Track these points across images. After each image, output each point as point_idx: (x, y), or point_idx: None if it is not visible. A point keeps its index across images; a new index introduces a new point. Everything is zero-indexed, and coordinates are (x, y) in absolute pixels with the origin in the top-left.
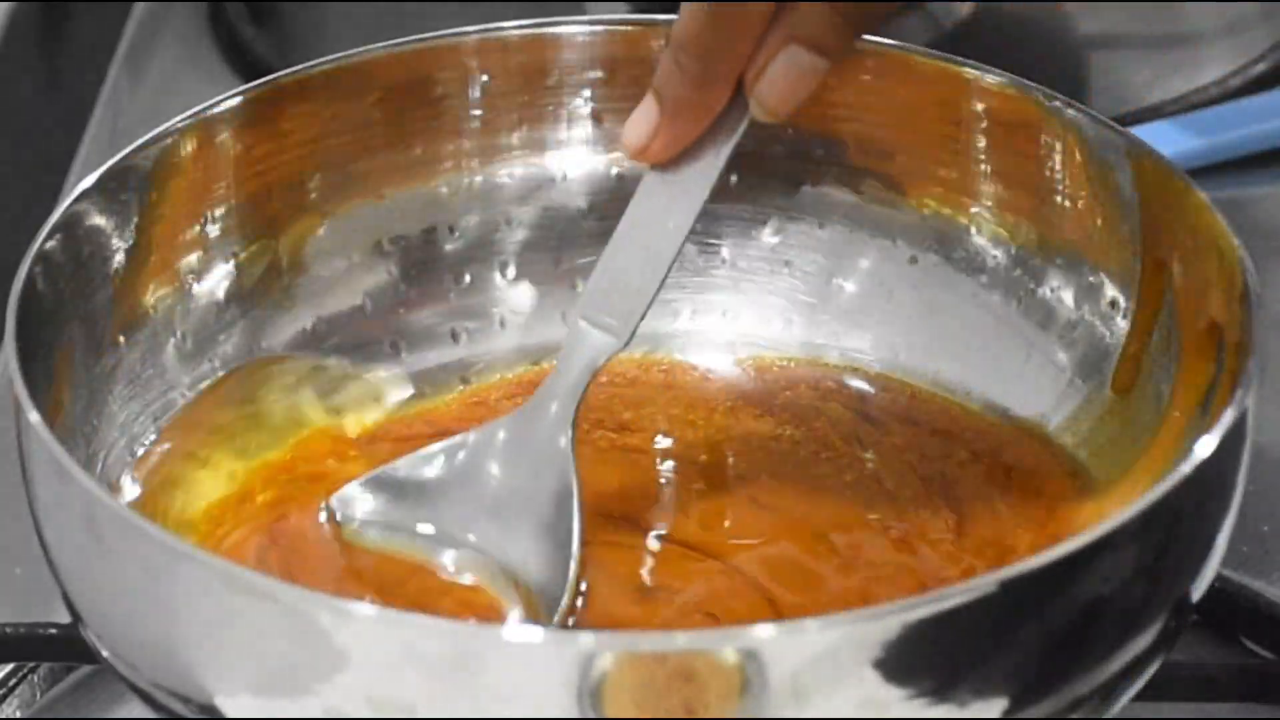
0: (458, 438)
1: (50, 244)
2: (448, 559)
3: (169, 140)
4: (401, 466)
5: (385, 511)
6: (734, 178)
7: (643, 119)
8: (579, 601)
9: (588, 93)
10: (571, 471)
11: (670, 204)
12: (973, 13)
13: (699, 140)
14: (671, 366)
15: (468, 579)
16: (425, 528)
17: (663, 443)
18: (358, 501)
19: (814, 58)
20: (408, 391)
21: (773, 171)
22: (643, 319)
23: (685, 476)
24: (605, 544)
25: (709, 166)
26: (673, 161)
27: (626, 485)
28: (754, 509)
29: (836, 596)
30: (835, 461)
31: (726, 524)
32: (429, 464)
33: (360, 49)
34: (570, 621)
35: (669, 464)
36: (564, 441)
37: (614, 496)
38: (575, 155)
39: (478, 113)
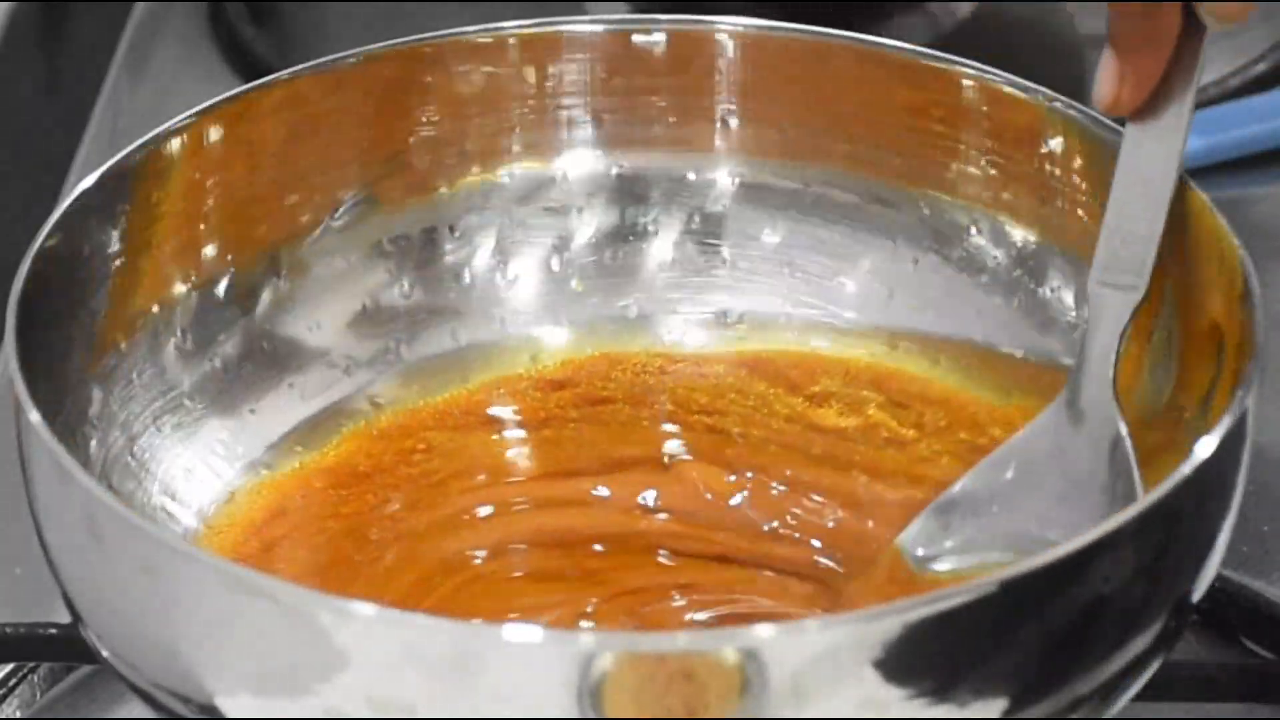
0: (1013, 440)
1: (50, 244)
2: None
3: (169, 140)
4: (961, 486)
5: (952, 537)
6: (735, 180)
7: (1107, 73)
8: None
9: (588, 93)
10: (1122, 434)
11: (1155, 147)
12: (973, 13)
13: (1164, 77)
14: (673, 364)
15: None
16: (989, 545)
17: (673, 442)
18: (926, 535)
19: None
20: (408, 392)
21: (773, 172)
22: (1152, 266)
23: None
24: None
25: (1181, 99)
26: (1146, 106)
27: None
28: (789, 500)
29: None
30: (862, 452)
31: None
32: (988, 476)
33: (360, 49)
34: None
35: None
36: (1110, 408)
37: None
38: (575, 155)
39: (478, 112)
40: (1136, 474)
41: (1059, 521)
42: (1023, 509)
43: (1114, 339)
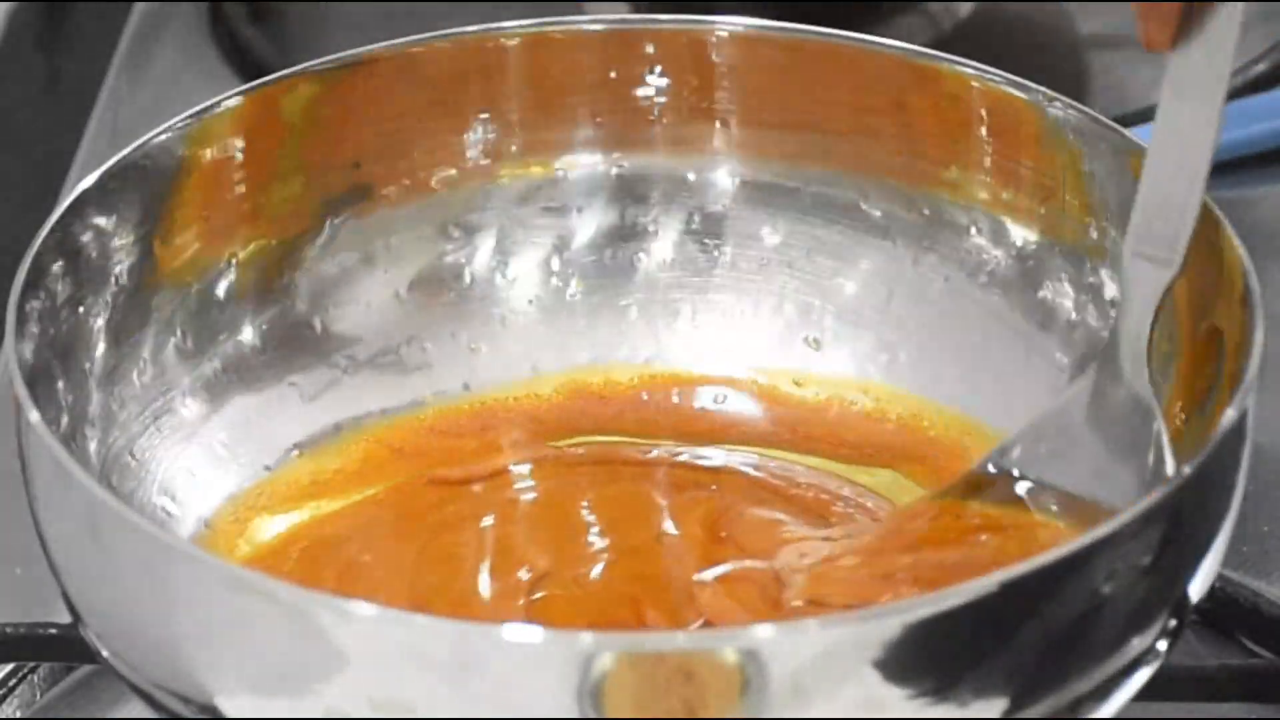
0: (1048, 411)
1: (50, 244)
2: None
3: (169, 140)
4: (1010, 442)
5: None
6: (736, 179)
7: (1137, 11)
8: None
9: (588, 93)
10: (1156, 414)
11: (1190, 115)
12: (972, 13)
13: (1196, 32)
14: (672, 367)
15: None
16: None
17: (665, 448)
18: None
19: None
20: (408, 391)
21: (773, 172)
22: (1189, 237)
23: (685, 484)
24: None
25: (1216, 62)
26: (1181, 65)
27: (629, 492)
28: (759, 523)
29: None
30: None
31: (728, 536)
32: (1027, 443)
33: (360, 49)
34: None
35: (671, 469)
36: (1144, 388)
37: (616, 502)
38: (575, 155)
39: (477, 113)
40: (1168, 451)
41: (1097, 493)
42: (1064, 476)
43: (1148, 316)
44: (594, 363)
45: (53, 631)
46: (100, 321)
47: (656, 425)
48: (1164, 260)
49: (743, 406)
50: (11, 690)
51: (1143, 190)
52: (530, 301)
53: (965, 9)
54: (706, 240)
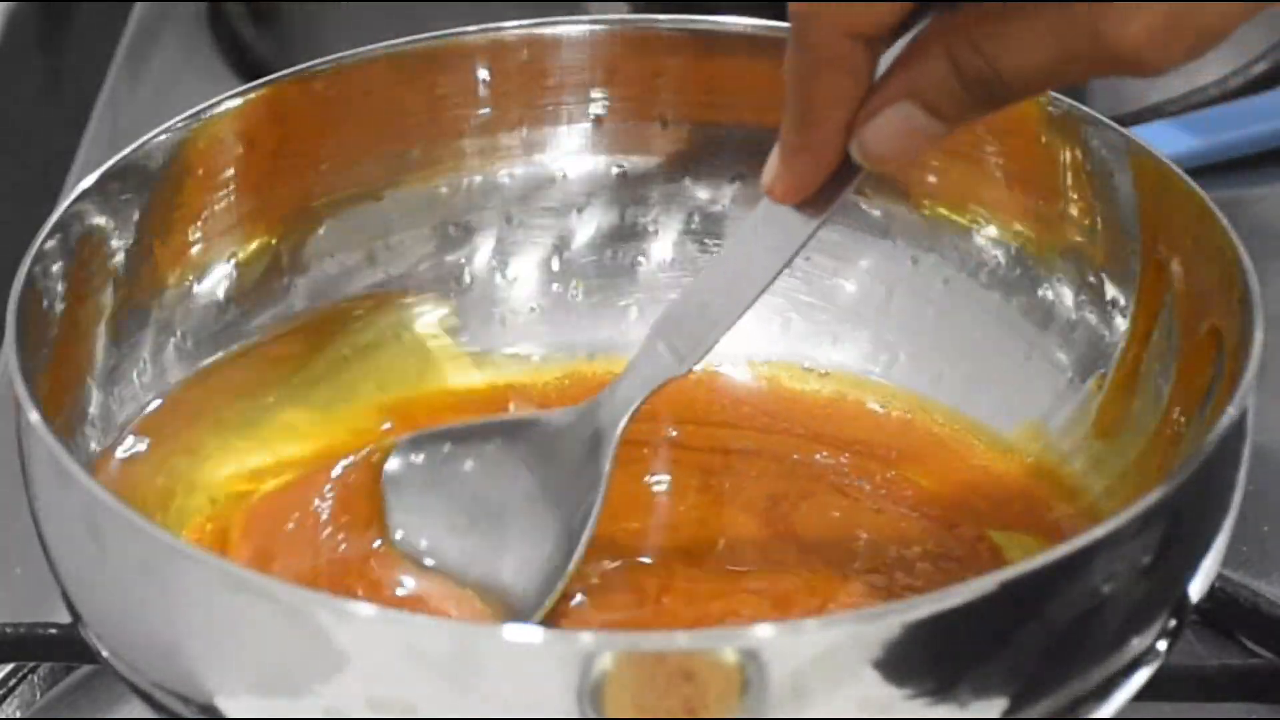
0: (502, 417)
1: (50, 244)
2: (439, 547)
3: (169, 140)
4: (441, 433)
5: (413, 481)
6: (735, 180)
7: (771, 158)
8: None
9: (588, 93)
10: (601, 488)
11: (767, 245)
12: None
13: (816, 194)
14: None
15: (446, 582)
16: (439, 503)
17: (662, 450)
18: (400, 460)
19: (928, 119)
20: (408, 392)
21: None
22: (709, 350)
23: (684, 485)
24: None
25: (810, 216)
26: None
27: (624, 490)
28: (752, 528)
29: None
30: (838, 479)
31: (722, 543)
32: (466, 440)
33: (360, 49)
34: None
35: (669, 470)
36: (605, 454)
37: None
38: (575, 155)
39: (478, 113)
40: (586, 535)
41: (494, 522)
42: (473, 485)
43: (638, 396)
44: (595, 361)
45: (53, 631)
46: (100, 321)
47: (660, 416)
48: (678, 355)
49: (744, 405)
50: (11, 690)
51: (693, 284)
52: (530, 302)
53: None
54: (706, 240)
